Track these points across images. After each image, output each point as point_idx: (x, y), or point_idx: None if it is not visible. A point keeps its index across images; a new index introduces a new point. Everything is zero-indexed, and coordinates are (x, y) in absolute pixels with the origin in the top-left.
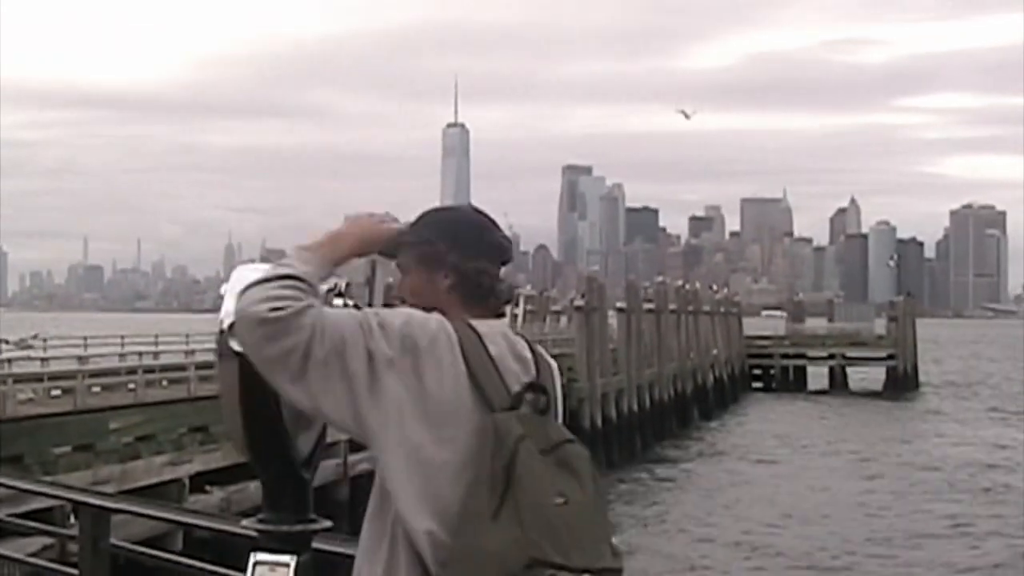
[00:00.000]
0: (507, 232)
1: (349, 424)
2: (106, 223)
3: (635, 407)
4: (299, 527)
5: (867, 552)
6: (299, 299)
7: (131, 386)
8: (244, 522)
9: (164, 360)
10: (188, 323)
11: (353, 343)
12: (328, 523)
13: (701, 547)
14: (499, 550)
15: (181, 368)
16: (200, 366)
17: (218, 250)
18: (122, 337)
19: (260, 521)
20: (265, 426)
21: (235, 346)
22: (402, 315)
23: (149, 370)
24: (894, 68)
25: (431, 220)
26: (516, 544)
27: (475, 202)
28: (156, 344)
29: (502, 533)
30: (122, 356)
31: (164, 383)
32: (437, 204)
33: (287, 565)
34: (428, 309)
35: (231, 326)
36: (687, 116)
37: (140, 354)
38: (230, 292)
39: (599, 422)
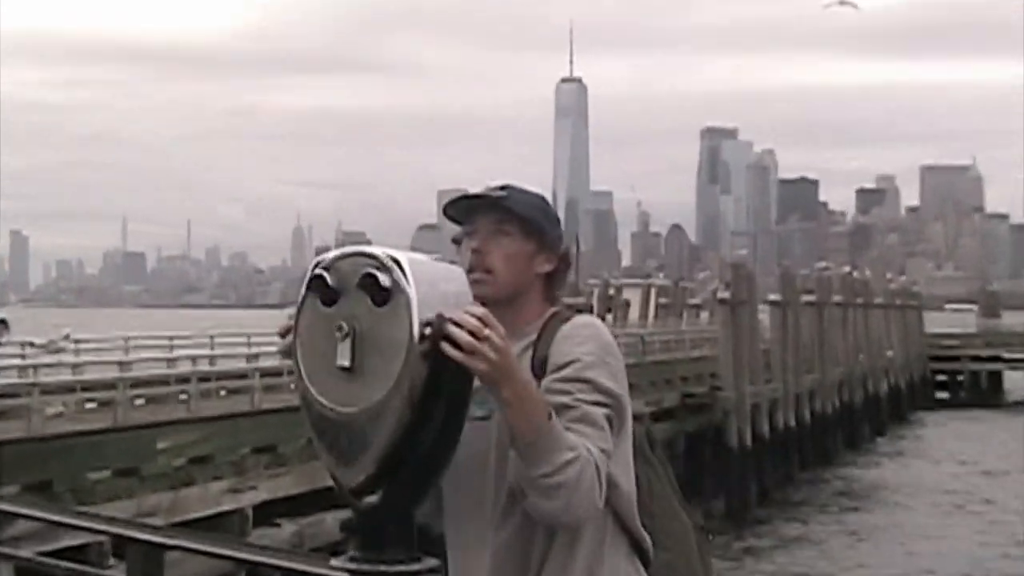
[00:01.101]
0: (634, 210)
1: None
2: (150, 202)
3: (792, 422)
4: (402, 567)
5: None
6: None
7: (182, 397)
8: (333, 561)
9: (222, 366)
10: (250, 320)
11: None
12: (434, 562)
13: None
14: (687, 521)
15: (243, 376)
16: (266, 373)
17: (285, 234)
18: (170, 338)
19: (352, 560)
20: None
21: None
22: (611, 369)
23: (204, 378)
24: None
25: (542, 206)
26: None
27: (595, 173)
28: (212, 346)
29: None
30: (171, 361)
31: (222, 394)
32: (541, 179)
33: None
34: (507, 283)
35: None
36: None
37: (193, 359)
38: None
39: (748, 440)
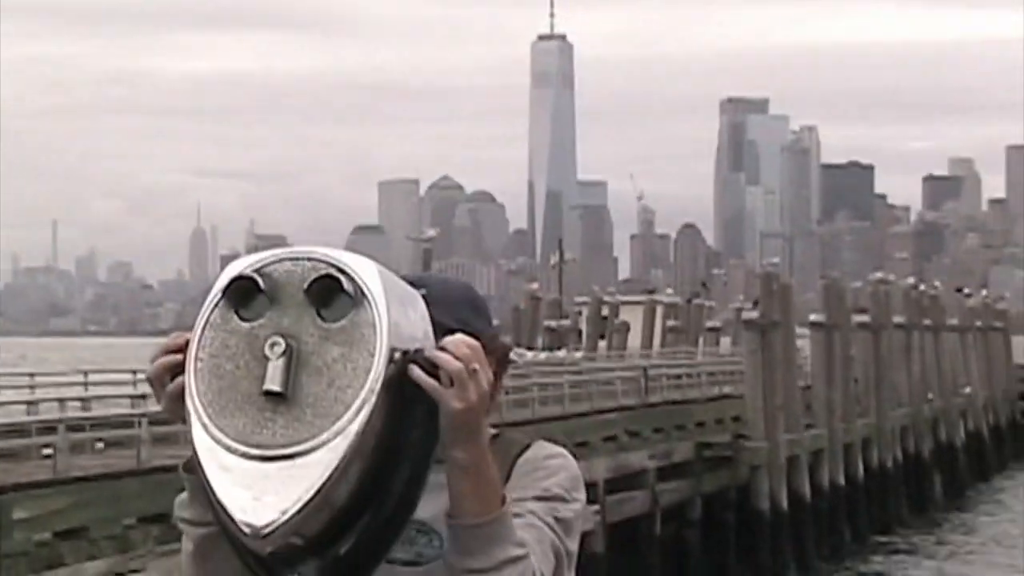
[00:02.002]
0: (634, 205)
1: None
2: (2, 196)
3: (841, 479)
4: None
5: None
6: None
7: (47, 452)
8: None
9: (99, 411)
10: (135, 351)
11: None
12: None
13: None
14: None
15: (126, 424)
16: (157, 420)
17: (180, 238)
18: (31, 375)
19: None
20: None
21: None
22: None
23: (75, 427)
24: None
25: (470, 298)
26: None
27: (585, 156)
28: (86, 386)
29: None
30: (31, 404)
31: (99, 447)
32: (515, 166)
33: None
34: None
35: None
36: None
37: (61, 401)
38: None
39: (783, 503)
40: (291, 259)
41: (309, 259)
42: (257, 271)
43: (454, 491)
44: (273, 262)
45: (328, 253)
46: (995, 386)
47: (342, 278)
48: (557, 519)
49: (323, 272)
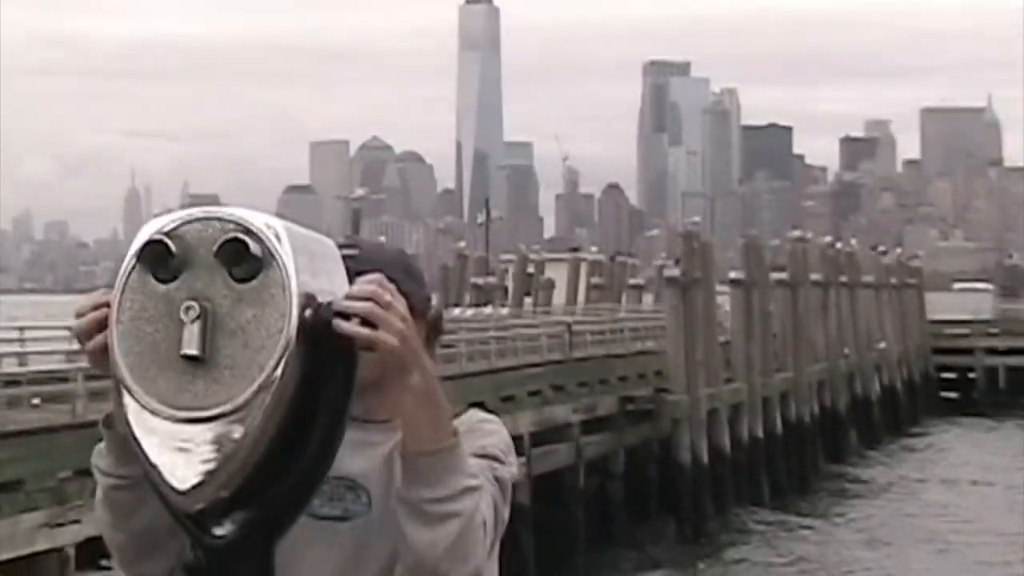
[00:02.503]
0: (559, 166)
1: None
2: None
3: (759, 432)
4: None
5: None
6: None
7: None
8: None
9: (35, 367)
10: (70, 308)
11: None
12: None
13: None
14: None
15: (62, 379)
16: (92, 375)
17: (115, 198)
18: None
19: None
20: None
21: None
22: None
23: (11, 381)
24: None
25: (402, 262)
26: None
27: (512, 117)
28: (22, 342)
29: None
30: None
31: (35, 402)
32: (443, 127)
33: None
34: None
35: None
36: None
37: None
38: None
39: (704, 456)
40: (201, 219)
41: (219, 219)
42: (168, 234)
43: (410, 422)
44: (183, 224)
45: (235, 213)
46: (909, 341)
47: (249, 240)
48: (496, 478)
49: (231, 235)
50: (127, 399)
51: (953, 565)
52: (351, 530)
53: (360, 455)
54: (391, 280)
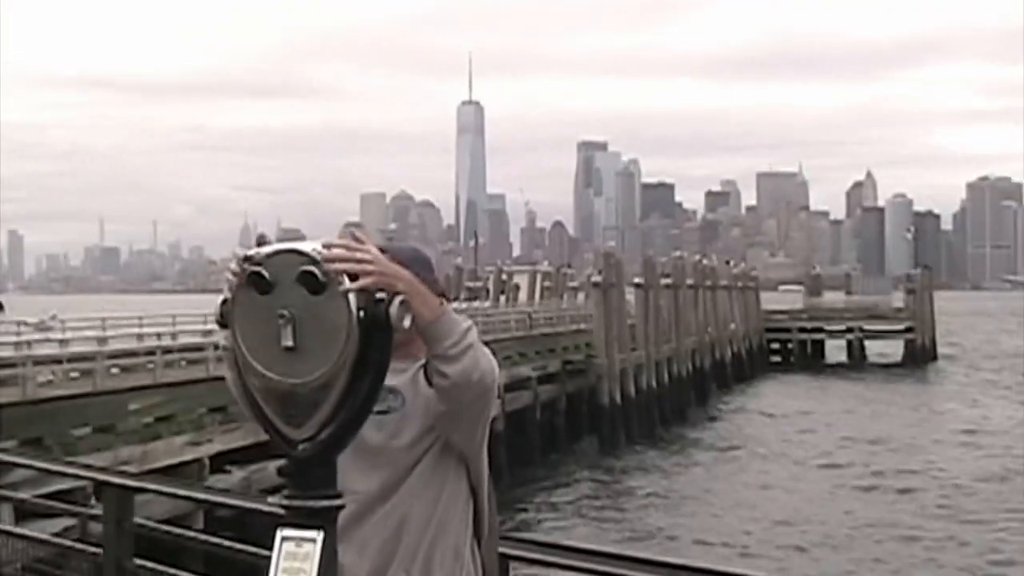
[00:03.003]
0: (523, 209)
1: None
2: (120, 204)
3: (653, 383)
4: (325, 503)
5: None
6: None
7: (150, 367)
8: (270, 499)
9: (182, 340)
10: (205, 303)
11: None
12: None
13: (709, 519)
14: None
15: (199, 348)
16: (218, 346)
17: (233, 230)
18: (140, 318)
19: (286, 497)
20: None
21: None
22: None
23: (167, 351)
24: (906, 39)
25: (418, 257)
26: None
27: (490, 179)
28: (174, 324)
29: None
30: (140, 337)
31: (183, 363)
32: (446, 184)
33: (314, 540)
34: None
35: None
36: None
37: (158, 335)
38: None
39: (618, 398)
40: (283, 251)
41: (297, 252)
42: (262, 263)
43: (418, 312)
44: (269, 256)
45: (302, 247)
46: (750, 324)
47: (315, 269)
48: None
49: (303, 268)
50: (250, 368)
51: (776, 459)
52: (392, 419)
53: (397, 376)
54: (411, 271)
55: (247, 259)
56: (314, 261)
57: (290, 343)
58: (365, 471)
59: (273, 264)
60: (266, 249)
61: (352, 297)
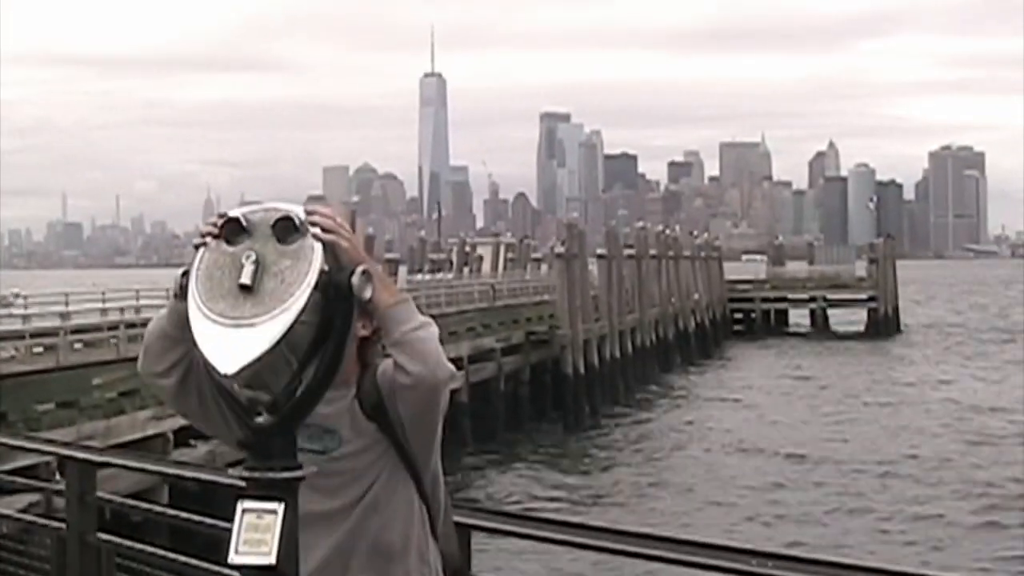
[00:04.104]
0: (486, 181)
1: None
2: (83, 180)
3: (617, 353)
4: (286, 474)
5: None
6: None
7: (113, 342)
8: (231, 471)
9: (146, 315)
10: (169, 277)
11: None
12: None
13: (676, 491)
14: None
15: None
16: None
17: (196, 204)
18: (103, 293)
19: (247, 469)
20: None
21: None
22: None
23: (131, 325)
24: (867, 9)
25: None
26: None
27: (453, 151)
28: (138, 299)
29: None
30: (104, 312)
31: None
32: (409, 156)
33: (275, 512)
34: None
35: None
36: None
37: (122, 309)
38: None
39: (581, 368)
40: (263, 209)
41: (275, 209)
42: (242, 215)
43: (377, 297)
44: (253, 211)
45: (288, 207)
46: (713, 294)
47: (294, 218)
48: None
49: (283, 215)
50: (194, 313)
51: (742, 409)
52: (327, 460)
53: (331, 405)
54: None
55: (225, 215)
56: (288, 215)
57: (248, 281)
58: (309, 500)
59: (253, 214)
60: (249, 207)
61: (319, 250)
